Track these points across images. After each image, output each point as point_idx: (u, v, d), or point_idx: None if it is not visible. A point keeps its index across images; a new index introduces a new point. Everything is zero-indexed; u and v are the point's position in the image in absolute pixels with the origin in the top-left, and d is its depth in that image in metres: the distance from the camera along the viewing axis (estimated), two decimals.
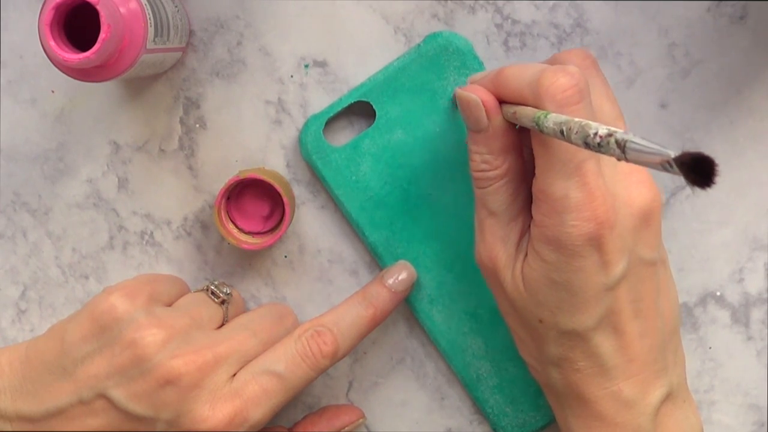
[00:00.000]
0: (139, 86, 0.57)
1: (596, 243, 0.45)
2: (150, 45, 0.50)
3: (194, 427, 0.50)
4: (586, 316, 0.47)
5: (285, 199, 0.54)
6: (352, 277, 0.57)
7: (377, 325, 0.54)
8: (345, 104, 0.55)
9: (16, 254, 0.58)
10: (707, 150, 0.55)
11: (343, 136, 0.56)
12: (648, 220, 0.47)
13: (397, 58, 0.55)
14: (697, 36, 0.55)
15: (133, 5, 0.49)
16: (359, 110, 0.56)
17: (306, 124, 0.56)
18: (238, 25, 0.56)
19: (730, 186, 0.56)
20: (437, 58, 0.55)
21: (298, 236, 0.57)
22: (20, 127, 0.57)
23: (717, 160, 0.35)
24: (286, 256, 0.57)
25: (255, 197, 0.56)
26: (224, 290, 0.55)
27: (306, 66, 0.56)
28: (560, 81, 0.45)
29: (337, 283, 0.57)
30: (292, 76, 0.56)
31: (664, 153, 0.36)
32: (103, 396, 0.50)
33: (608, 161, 0.47)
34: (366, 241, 0.56)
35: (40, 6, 0.47)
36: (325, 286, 0.58)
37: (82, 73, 0.49)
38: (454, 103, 0.55)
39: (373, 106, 0.55)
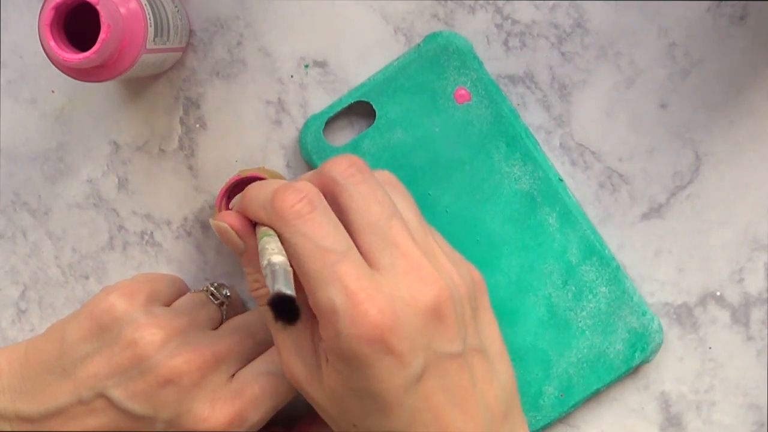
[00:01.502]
0: (139, 86, 0.57)
1: (379, 347, 0.43)
2: (150, 45, 0.50)
3: (194, 426, 0.50)
4: (394, 418, 0.45)
5: None
6: None
7: None
8: (345, 104, 0.55)
9: (16, 254, 0.58)
10: (707, 150, 0.55)
11: (343, 136, 0.56)
12: (439, 314, 0.45)
13: (397, 58, 0.55)
14: (697, 36, 0.55)
15: (133, 5, 0.49)
16: (359, 110, 0.56)
17: (306, 124, 0.56)
18: (238, 25, 0.56)
19: (730, 186, 0.56)
20: (437, 58, 0.55)
21: None
22: (20, 127, 0.57)
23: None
24: None
25: None
26: (223, 292, 0.55)
27: (306, 66, 0.56)
28: (287, 198, 0.45)
29: None
30: (292, 76, 0.56)
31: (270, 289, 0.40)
32: (102, 396, 0.50)
33: (383, 259, 0.46)
34: None
35: (40, 6, 0.47)
36: None
37: (82, 73, 0.49)
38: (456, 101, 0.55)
39: (373, 106, 0.55)
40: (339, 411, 0.46)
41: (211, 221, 0.50)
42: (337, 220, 0.46)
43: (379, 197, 0.47)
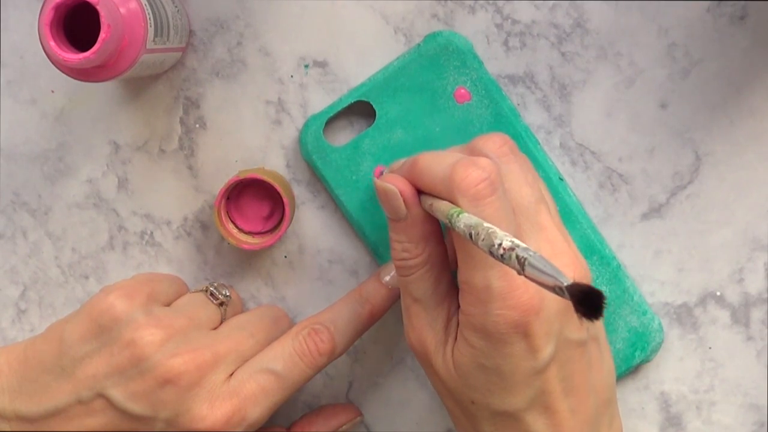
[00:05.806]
0: (139, 86, 0.57)
1: (522, 330, 0.45)
2: (150, 45, 0.50)
3: (193, 426, 0.50)
4: (517, 398, 0.47)
5: (285, 199, 0.54)
6: (352, 277, 0.57)
7: (374, 322, 0.54)
8: (345, 104, 0.55)
9: (16, 254, 0.58)
10: (707, 150, 0.55)
11: (343, 136, 0.56)
12: None
13: (397, 58, 0.55)
14: (697, 36, 0.55)
15: (133, 5, 0.49)
16: (359, 110, 0.56)
17: (306, 124, 0.56)
18: (238, 25, 0.56)
19: (730, 186, 0.56)
20: (437, 57, 0.55)
21: (298, 236, 0.57)
22: (20, 127, 0.58)
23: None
24: (286, 256, 0.58)
25: (255, 197, 0.56)
26: (223, 292, 0.55)
27: (306, 66, 0.56)
28: (471, 176, 0.45)
29: (337, 283, 0.58)
30: (292, 76, 0.56)
31: (558, 279, 0.36)
32: (101, 396, 0.50)
33: (530, 243, 0.47)
34: (366, 241, 0.56)
35: (40, 6, 0.47)
36: (325, 286, 0.58)
37: (82, 73, 0.49)
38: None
39: (373, 106, 0.55)
40: (460, 385, 0.48)
41: (377, 181, 0.49)
42: (510, 206, 0.46)
43: (530, 180, 0.49)
